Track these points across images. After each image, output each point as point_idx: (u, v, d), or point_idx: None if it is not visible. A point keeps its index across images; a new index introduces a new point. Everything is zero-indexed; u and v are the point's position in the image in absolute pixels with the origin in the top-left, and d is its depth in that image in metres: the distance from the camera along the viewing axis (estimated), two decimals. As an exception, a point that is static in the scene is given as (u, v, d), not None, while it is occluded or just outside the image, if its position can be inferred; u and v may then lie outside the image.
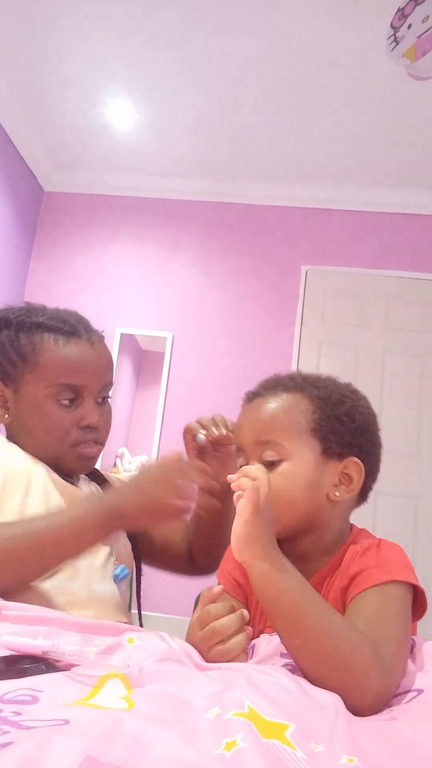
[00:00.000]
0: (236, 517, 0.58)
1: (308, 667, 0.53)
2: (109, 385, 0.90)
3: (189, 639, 0.59)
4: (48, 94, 2.75)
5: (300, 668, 0.54)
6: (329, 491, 0.69)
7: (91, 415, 0.84)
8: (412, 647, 0.60)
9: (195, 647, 0.57)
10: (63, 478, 0.83)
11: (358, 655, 0.51)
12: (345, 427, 0.70)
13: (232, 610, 0.57)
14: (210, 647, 0.55)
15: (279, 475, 0.68)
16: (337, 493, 0.68)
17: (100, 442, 0.88)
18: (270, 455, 0.69)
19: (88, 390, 0.85)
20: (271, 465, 0.69)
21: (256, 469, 0.61)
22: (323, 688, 0.51)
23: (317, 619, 0.53)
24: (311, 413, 0.70)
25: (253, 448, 0.72)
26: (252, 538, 0.57)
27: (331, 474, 0.69)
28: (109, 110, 2.82)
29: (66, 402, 0.83)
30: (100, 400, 0.88)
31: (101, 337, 0.90)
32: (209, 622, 0.57)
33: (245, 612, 0.57)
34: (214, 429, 0.85)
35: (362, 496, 0.74)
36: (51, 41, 2.41)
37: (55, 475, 0.81)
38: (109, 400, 0.93)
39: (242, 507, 0.57)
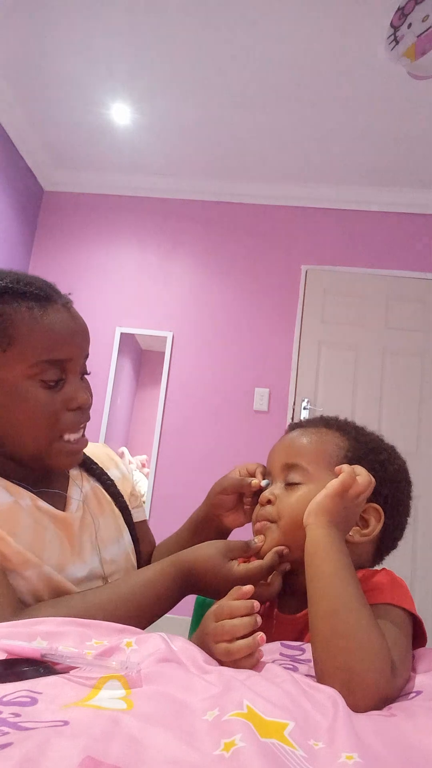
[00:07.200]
0: (324, 488, 0.62)
1: (321, 639, 0.53)
2: (87, 357, 0.78)
3: (203, 627, 0.59)
4: (48, 93, 2.76)
5: (312, 644, 0.54)
6: None
7: (81, 393, 0.73)
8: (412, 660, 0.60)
9: (205, 637, 0.58)
10: (49, 494, 0.76)
11: (373, 648, 0.51)
12: (375, 473, 0.69)
13: (251, 612, 0.57)
14: (217, 642, 0.56)
15: (297, 497, 0.69)
16: (350, 533, 0.68)
17: (85, 429, 0.78)
18: (293, 478, 0.70)
19: (72, 365, 0.73)
20: (292, 487, 0.70)
21: (365, 470, 0.64)
22: (329, 670, 0.51)
23: (345, 596, 0.55)
24: (345, 450, 0.72)
25: (280, 470, 0.73)
26: (323, 510, 0.61)
27: None
28: (109, 110, 2.82)
29: (52, 383, 0.70)
30: (81, 376, 0.77)
31: (71, 301, 0.80)
32: (223, 618, 0.57)
33: (258, 618, 0.57)
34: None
35: (378, 552, 0.74)
36: (51, 41, 2.41)
37: (42, 503, 0.73)
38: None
39: (332, 483, 0.62)
